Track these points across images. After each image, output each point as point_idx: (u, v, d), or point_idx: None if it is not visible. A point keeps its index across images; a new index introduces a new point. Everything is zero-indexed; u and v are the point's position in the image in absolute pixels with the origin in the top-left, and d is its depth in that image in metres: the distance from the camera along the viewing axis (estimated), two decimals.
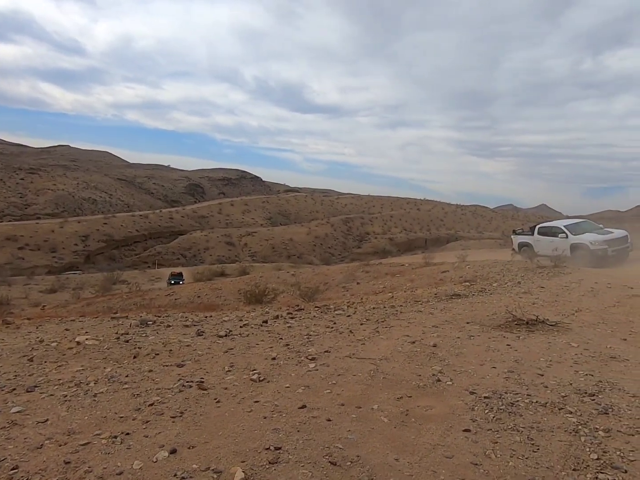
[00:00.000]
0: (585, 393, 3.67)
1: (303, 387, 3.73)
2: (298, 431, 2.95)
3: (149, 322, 6.45)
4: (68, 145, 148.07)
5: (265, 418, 3.15)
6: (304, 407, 3.32)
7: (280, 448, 2.72)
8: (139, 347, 4.96)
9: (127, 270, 50.03)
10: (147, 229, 76.87)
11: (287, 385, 3.78)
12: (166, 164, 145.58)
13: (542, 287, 9.32)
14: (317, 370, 4.18)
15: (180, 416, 3.17)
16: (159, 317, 7.23)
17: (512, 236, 17.64)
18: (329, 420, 3.12)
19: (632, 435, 3.00)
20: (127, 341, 5.25)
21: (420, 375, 4.07)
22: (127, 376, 4.01)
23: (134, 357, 4.60)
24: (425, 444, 2.85)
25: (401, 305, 7.98)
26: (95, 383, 3.82)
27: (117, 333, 5.67)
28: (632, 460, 2.69)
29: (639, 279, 10.22)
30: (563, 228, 14.91)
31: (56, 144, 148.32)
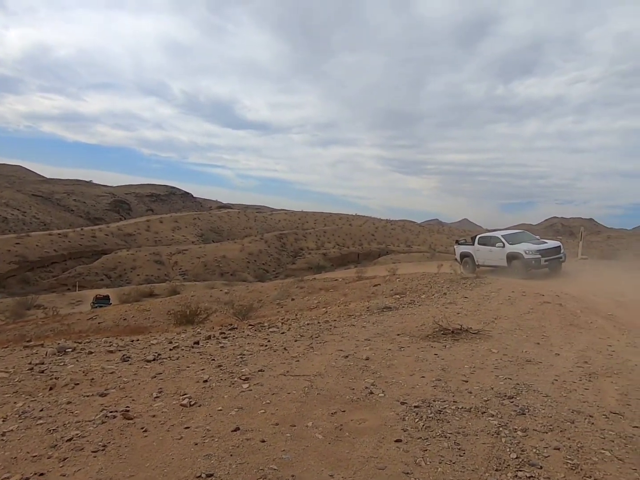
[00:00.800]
0: (505, 396, 3.93)
1: (236, 409, 3.64)
2: (231, 455, 2.87)
3: (67, 350, 5.98)
4: None
5: (196, 444, 3.03)
6: (237, 429, 3.24)
7: (212, 475, 2.63)
8: (56, 378, 4.58)
9: (43, 293, 46.03)
10: (67, 249, 71.58)
11: (220, 408, 3.67)
12: (88, 179, 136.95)
13: (465, 298, 9.89)
14: (251, 390, 4.10)
15: (103, 450, 2.96)
16: (80, 343, 6.73)
17: (454, 246, 18.20)
18: (263, 441, 3.07)
19: (546, 432, 3.25)
20: (42, 371, 4.83)
21: (353, 389, 4.13)
22: (41, 410, 3.68)
23: (50, 389, 4.24)
24: (359, 458, 2.88)
25: (335, 320, 8.08)
26: (3, 421, 3.46)
27: (30, 363, 5.19)
28: (547, 457, 2.92)
29: (549, 287, 11.18)
30: (500, 238, 15.49)
31: None
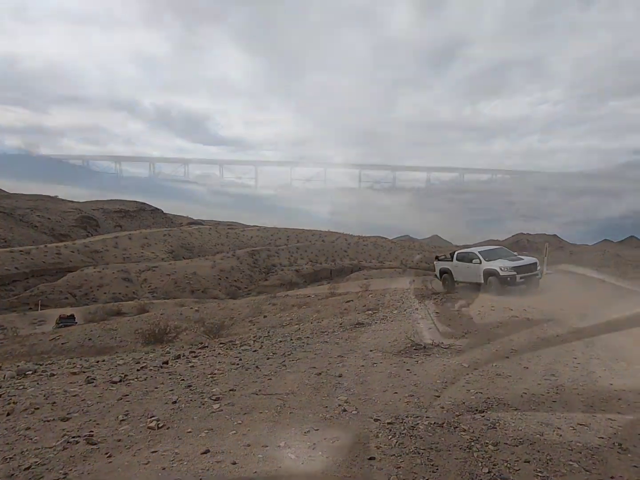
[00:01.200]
0: (476, 410, 3.97)
1: (206, 430, 3.54)
2: (201, 479, 2.78)
3: (27, 372, 5.73)
4: None
5: (164, 469, 2.92)
6: (207, 452, 3.15)
7: None
8: (14, 402, 4.37)
9: (3, 313, 44.07)
10: (29, 266, 68.82)
11: (189, 430, 3.57)
12: (53, 195, 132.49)
13: (437, 313, 10.01)
14: (222, 410, 4.00)
15: (64, 478, 2.82)
16: (41, 365, 6.46)
17: (434, 262, 18.17)
18: (234, 463, 2.99)
19: (516, 445, 3.29)
20: (0, 396, 4.59)
21: (326, 406, 4.09)
22: None
23: (8, 414, 4.04)
24: (332, 478, 2.84)
25: (308, 337, 8.03)
26: None
27: None
28: (517, 470, 2.94)
29: (517, 302, 11.46)
30: (477, 254, 15.40)
31: None
